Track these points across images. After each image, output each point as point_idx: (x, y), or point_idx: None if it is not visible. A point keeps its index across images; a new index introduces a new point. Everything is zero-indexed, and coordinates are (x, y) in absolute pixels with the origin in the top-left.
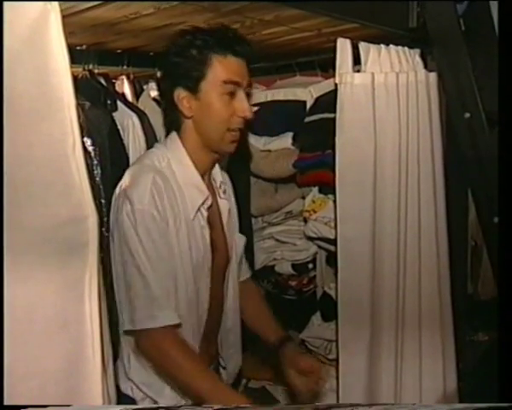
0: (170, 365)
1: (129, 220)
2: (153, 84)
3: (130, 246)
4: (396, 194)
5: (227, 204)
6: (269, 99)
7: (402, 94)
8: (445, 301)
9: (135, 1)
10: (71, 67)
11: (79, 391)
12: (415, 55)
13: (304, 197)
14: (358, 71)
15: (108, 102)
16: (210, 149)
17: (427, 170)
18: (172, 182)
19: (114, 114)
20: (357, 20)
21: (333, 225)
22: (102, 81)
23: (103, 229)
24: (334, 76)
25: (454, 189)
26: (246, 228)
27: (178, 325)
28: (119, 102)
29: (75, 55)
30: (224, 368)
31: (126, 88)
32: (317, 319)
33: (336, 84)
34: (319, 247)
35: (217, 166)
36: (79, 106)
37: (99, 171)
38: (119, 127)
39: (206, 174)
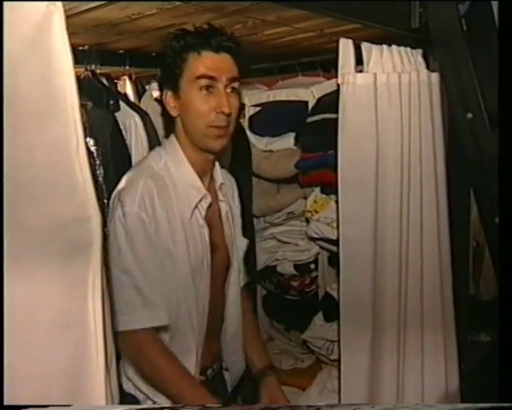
0: (148, 367)
1: (119, 223)
2: (155, 85)
3: (120, 247)
4: (398, 194)
5: (225, 206)
6: (271, 99)
7: (404, 94)
8: (447, 301)
9: (137, 1)
10: (73, 67)
11: (83, 391)
12: (417, 56)
13: (306, 198)
14: (361, 71)
15: (111, 102)
16: (198, 147)
17: (429, 170)
18: (169, 183)
19: (117, 115)
20: (360, 20)
21: (335, 225)
22: (105, 81)
23: (106, 229)
24: (336, 76)
25: (456, 189)
26: (248, 228)
27: (163, 327)
28: (121, 103)
29: (77, 56)
30: (227, 370)
31: (128, 88)
32: (318, 319)
33: (338, 85)
34: (321, 247)
35: (218, 168)
36: (82, 106)
37: (101, 171)
38: (122, 127)
39: (206, 175)
